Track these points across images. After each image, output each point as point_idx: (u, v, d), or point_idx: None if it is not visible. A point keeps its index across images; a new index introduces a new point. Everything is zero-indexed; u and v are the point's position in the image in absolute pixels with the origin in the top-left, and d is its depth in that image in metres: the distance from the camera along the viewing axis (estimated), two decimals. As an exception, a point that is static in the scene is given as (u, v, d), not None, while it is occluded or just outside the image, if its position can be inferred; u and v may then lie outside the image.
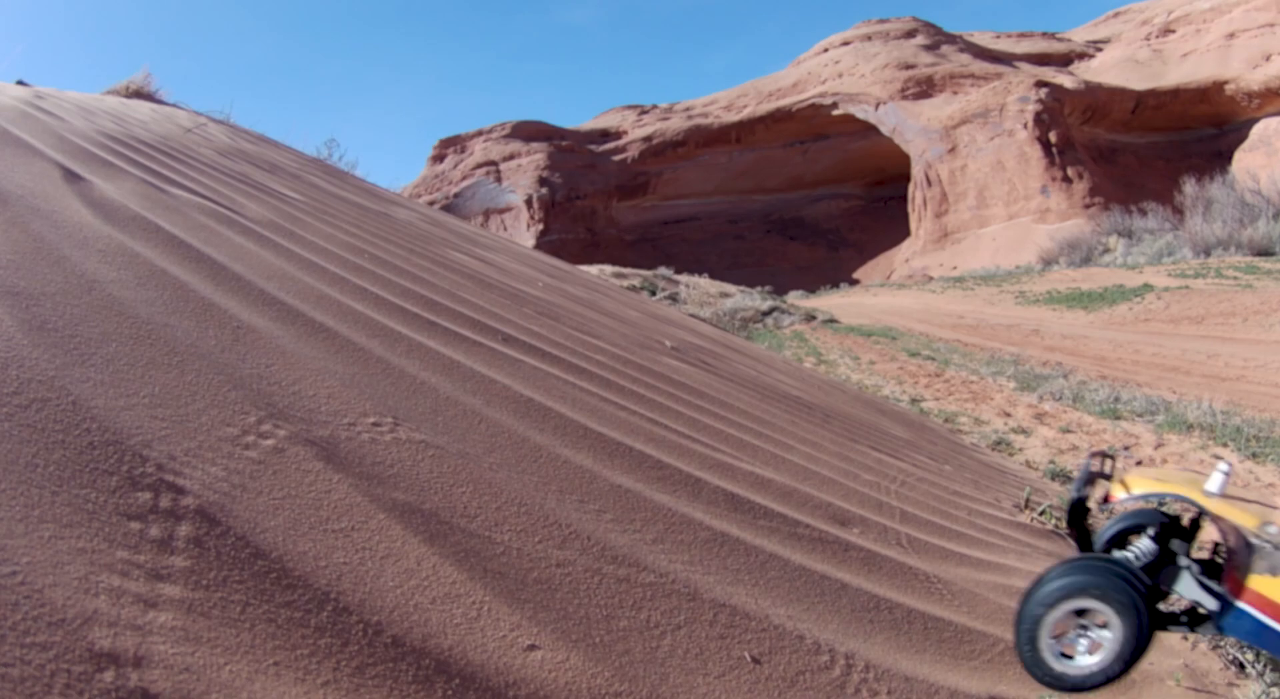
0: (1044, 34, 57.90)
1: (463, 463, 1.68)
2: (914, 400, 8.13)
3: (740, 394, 4.02)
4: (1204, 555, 1.49)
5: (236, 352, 1.76)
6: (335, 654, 1.03)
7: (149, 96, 6.36)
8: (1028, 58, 51.31)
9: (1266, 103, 37.09)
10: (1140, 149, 43.03)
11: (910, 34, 52.68)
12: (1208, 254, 23.83)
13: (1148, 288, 17.58)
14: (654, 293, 22.28)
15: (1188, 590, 1.43)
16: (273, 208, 3.95)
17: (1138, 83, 42.71)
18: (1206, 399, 7.02)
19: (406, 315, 2.79)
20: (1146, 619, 1.36)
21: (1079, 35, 57.27)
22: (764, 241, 55.30)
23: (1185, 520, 1.49)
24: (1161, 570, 1.45)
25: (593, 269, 22.95)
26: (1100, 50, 50.85)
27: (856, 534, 2.27)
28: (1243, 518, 1.34)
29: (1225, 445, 5.52)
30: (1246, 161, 35.34)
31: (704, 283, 29.69)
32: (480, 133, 63.30)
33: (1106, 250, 29.20)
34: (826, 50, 55.82)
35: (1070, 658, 1.41)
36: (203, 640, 0.94)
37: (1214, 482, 1.40)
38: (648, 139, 57.15)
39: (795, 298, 31.34)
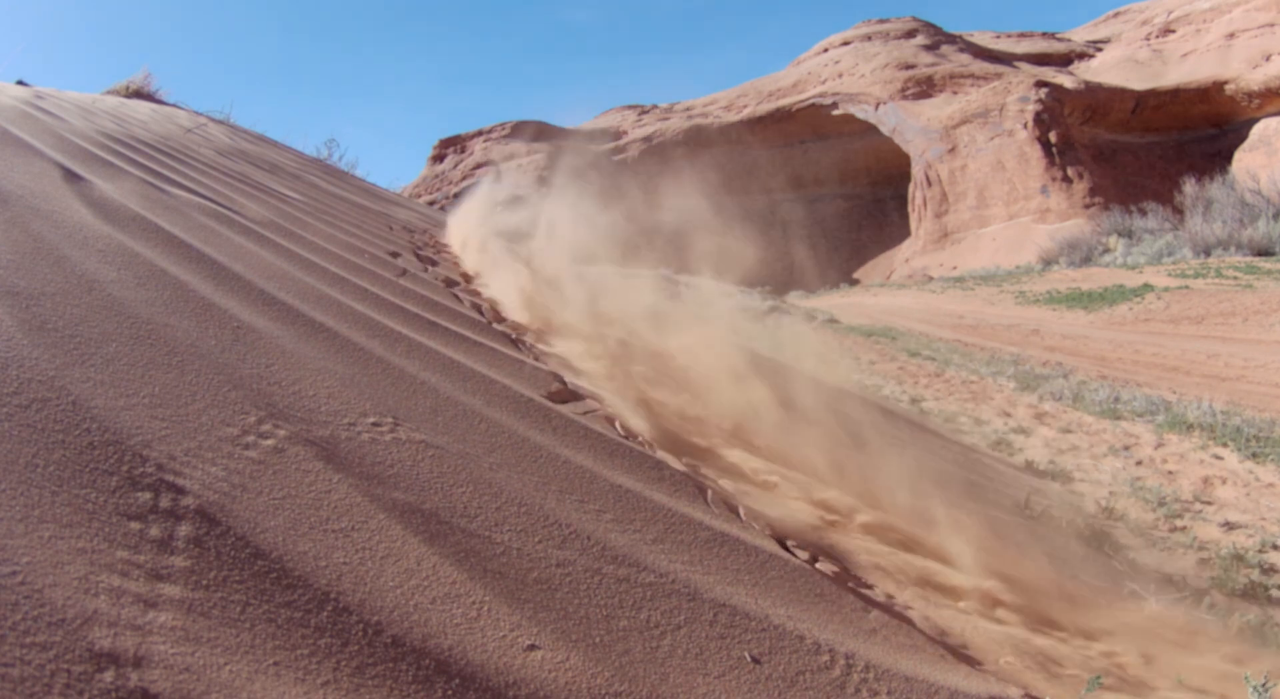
0: (1044, 34, 57.90)
1: (463, 463, 1.68)
2: (914, 400, 8.13)
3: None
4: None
5: (236, 351, 1.76)
6: (335, 654, 1.03)
7: (149, 96, 6.36)
8: (1028, 58, 51.30)
9: (1266, 103, 37.08)
10: (1140, 149, 43.00)
11: (910, 34, 52.69)
12: (1208, 254, 23.81)
13: (1148, 288, 17.57)
14: (654, 293, 22.26)
15: None
16: (273, 208, 3.95)
17: (1138, 83, 42.70)
18: (1206, 399, 7.02)
19: (406, 315, 2.79)
20: None
21: (1079, 35, 57.27)
22: (764, 241, 55.25)
23: None
24: None
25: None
26: (1100, 50, 50.84)
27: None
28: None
29: (1225, 445, 5.52)
30: (1246, 161, 35.32)
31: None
32: (480, 133, 63.26)
33: (1106, 250, 29.18)
34: (826, 50, 55.84)
35: None
36: (203, 640, 0.94)
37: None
38: (648, 139, 57.14)
39: (795, 298, 31.33)
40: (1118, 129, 43.09)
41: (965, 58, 49.49)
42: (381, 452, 1.58)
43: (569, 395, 2.52)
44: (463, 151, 63.84)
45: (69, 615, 0.87)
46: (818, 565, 1.96)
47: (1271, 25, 37.04)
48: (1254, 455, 5.21)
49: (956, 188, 43.63)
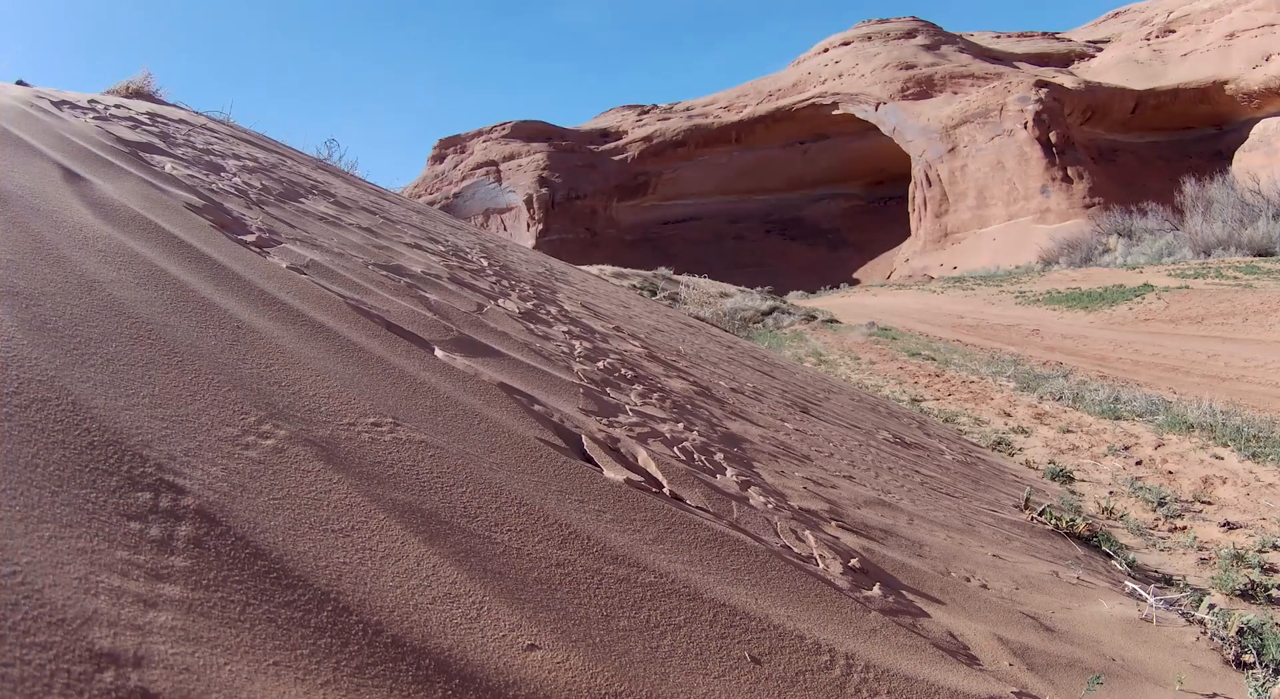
0: (1044, 34, 57.93)
1: (463, 463, 1.68)
2: (914, 400, 8.13)
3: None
4: None
5: (236, 351, 1.76)
6: (335, 654, 1.03)
7: (149, 96, 6.36)
8: (1028, 58, 51.32)
9: (1266, 103, 37.11)
10: (1140, 149, 43.04)
11: (910, 34, 52.69)
12: (1208, 254, 23.82)
13: (1148, 288, 17.58)
14: (654, 293, 22.29)
15: None
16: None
17: (1138, 83, 42.74)
18: (1206, 399, 7.02)
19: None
20: None
21: (1079, 35, 57.29)
22: (764, 242, 55.29)
23: None
24: None
25: (593, 269, 22.96)
26: (1100, 50, 50.86)
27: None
28: None
29: (1225, 445, 5.51)
30: (1246, 161, 35.35)
31: (704, 283, 29.71)
32: (480, 133, 63.30)
33: (1106, 250, 29.19)
34: (826, 50, 55.83)
35: None
36: (203, 640, 0.94)
37: None
38: (648, 139, 57.13)
39: (795, 298, 31.35)
40: (1118, 129, 43.11)
41: (965, 58, 49.50)
42: (381, 452, 1.58)
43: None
44: (463, 151, 63.84)
45: (69, 615, 0.87)
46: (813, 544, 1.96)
47: (1271, 25, 37.06)
48: (1254, 455, 5.21)
49: (956, 188, 43.64)
